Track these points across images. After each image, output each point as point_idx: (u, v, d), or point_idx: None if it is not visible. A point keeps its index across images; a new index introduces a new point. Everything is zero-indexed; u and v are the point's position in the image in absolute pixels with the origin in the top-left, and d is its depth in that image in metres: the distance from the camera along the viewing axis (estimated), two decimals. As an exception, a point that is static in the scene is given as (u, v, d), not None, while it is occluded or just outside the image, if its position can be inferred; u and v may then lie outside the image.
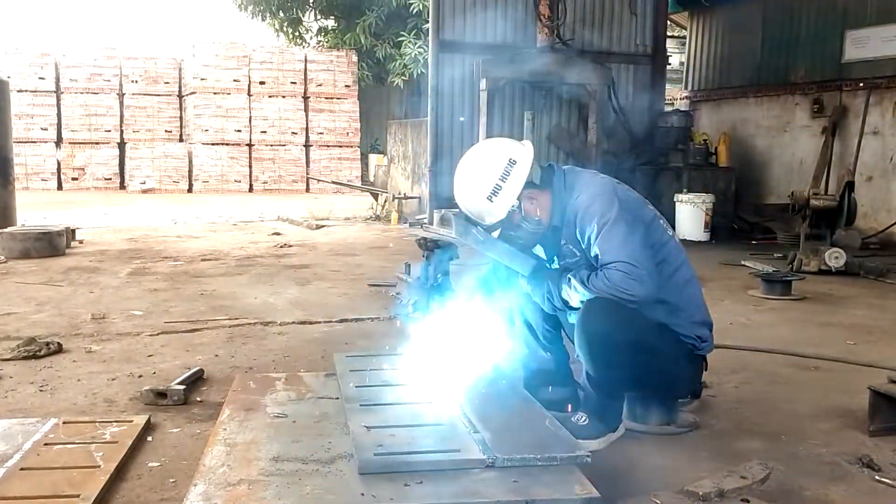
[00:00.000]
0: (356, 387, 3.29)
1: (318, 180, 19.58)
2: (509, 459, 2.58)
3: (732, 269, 8.13)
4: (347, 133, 21.20)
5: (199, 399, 3.74)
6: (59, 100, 20.02)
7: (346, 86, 21.05)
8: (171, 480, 2.83)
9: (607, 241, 3.05)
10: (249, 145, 20.34)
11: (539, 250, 3.39)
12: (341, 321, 5.50)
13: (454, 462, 2.59)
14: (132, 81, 20.32)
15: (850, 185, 8.40)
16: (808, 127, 11.82)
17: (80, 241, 9.26)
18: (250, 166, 20.35)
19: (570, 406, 3.38)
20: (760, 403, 3.80)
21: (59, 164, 19.88)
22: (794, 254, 8.11)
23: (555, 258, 3.35)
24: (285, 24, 22.15)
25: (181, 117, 20.82)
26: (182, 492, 2.60)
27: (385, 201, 13.61)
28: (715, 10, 13.86)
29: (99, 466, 2.82)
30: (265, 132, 20.41)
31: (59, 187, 19.70)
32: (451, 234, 3.68)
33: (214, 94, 19.98)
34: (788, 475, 2.93)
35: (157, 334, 5.03)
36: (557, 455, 2.62)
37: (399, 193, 13.14)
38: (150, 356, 4.52)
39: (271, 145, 20.53)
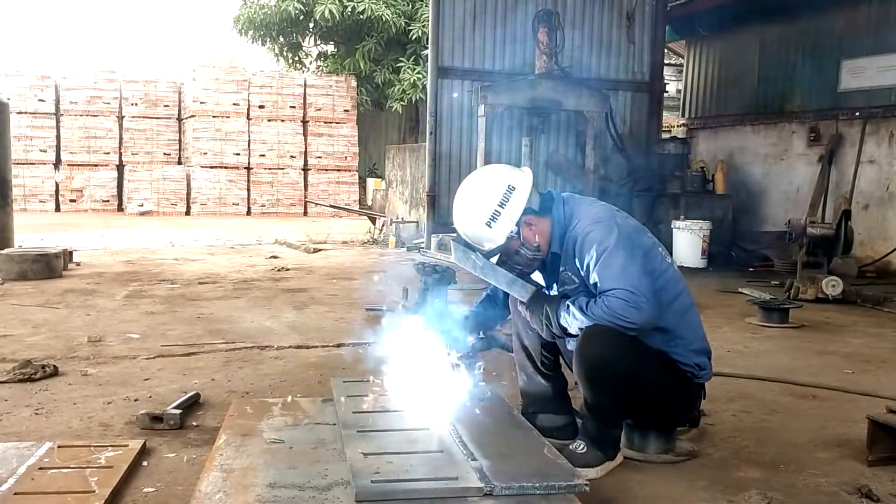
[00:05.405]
0: (353, 412, 3.27)
1: (316, 204, 19.63)
2: (507, 488, 2.57)
3: (730, 297, 8.13)
4: (346, 157, 21.30)
5: (195, 424, 3.72)
6: (58, 122, 20.14)
7: (345, 110, 21.18)
8: (167, 506, 2.81)
9: (606, 269, 3.05)
10: (248, 168, 20.43)
11: (538, 277, 3.39)
12: (338, 345, 5.48)
13: (452, 490, 2.58)
14: (132, 104, 20.47)
15: (846, 214, 8.43)
16: (804, 155, 11.88)
17: (78, 264, 9.24)
18: (248, 189, 20.43)
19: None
20: (759, 432, 3.79)
21: (57, 185, 19.96)
22: (791, 281, 8.11)
23: (553, 285, 3.35)
24: (285, 48, 22.34)
25: (180, 140, 20.95)
26: (177, 518, 2.58)
27: (383, 225, 13.63)
28: (712, 39, 14.00)
29: (94, 491, 2.79)
30: (264, 156, 20.50)
31: (57, 209, 19.75)
32: (450, 259, 3.68)
33: (214, 117, 20.09)
34: (788, 505, 2.91)
35: (154, 358, 5.01)
36: (556, 484, 2.60)
37: (397, 218, 13.17)
38: (146, 380, 4.50)
39: (270, 169, 20.61)
